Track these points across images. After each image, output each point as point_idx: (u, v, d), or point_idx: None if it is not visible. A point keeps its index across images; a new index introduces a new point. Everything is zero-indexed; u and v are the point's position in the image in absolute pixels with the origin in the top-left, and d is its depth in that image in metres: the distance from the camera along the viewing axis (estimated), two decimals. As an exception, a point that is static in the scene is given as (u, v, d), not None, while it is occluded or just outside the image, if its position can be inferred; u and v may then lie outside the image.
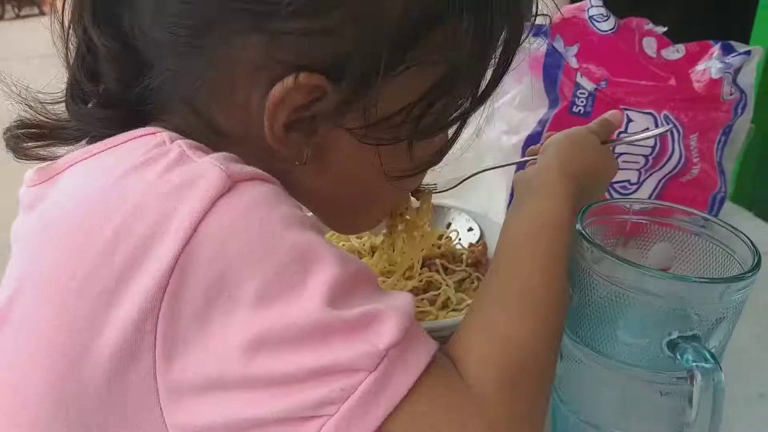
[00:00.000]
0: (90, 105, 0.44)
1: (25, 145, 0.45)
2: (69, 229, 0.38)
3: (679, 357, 0.42)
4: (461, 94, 0.45)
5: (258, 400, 0.35)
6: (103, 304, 0.35)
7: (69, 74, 0.44)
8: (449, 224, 0.75)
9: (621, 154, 0.78)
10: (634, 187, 0.82)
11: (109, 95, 0.43)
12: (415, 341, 0.37)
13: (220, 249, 0.35)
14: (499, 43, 0.44)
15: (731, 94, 0.76)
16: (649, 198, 0.82)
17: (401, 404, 0.36)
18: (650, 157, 0.78)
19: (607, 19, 0.75)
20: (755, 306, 0.48)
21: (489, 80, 0.46)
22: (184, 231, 0.34)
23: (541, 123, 0.77)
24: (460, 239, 0.72)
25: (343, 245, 0.68)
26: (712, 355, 0.41)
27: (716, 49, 0.77)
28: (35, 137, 0.45)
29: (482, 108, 0.50)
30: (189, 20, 0.40)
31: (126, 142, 0.41)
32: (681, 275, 0.42)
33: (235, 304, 0.35)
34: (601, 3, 0.76)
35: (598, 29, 0.75)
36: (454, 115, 0.46)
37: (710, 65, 0.75)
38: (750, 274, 0.43)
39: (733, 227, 0.48)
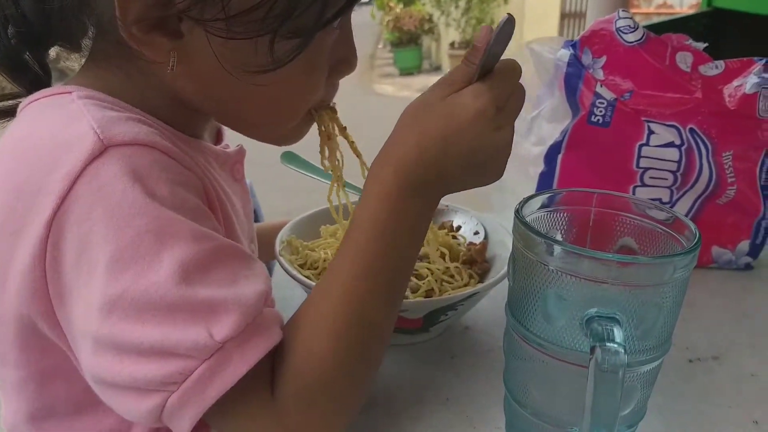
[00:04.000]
0: (10, 33, 0.48)
1: None
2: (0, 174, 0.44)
3: (588, 334, 0.41)
4: None
5: (111, 363, 0.39)
6: (11, 244, 0.41)
7: None
8: (459, 227, 0.76)
9: (647, 169, 0.76)
10: (667, 206, 0.78)
11: (27, 23, 0.47)
12: (255, 337, 0.41)
13: (89, 210, 0.39)
14: None
15: (771, 112, 0.71)
16: (684, 219, 0.78)
17: (224, 396, 0.40)
18: (678, 174, 0.74)
19: (634, 31, 0.74)
20: None
21: None
22: (60, 191, 0.39)
23: (563, 133, 0.77)
24: (464, 238, 0.73)
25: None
26: (622, 337, 0.39)
27: (759, 65, 0.73)
28: None
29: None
30: None
31: (46, 97, 0.46)
32: (599, 253, 0.41)
33: (94, 264, 0.39)
34: (629, 15, 0.75)
35: (625, 40, 0.74)
36: (320, 17, 0.44)
37: (746, 80, 0.71)
38: (671, 257, 0.41)
39: (686, 219, 0.47)
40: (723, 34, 1.63)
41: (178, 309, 0.39)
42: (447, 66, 8.27)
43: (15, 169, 0.43)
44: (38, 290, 0.41)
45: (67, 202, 0.39)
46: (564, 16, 9.25)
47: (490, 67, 0.48)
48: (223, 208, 0.52)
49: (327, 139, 0.59)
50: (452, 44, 8.11)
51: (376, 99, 6.88)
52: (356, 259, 0.45)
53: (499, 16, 8.53)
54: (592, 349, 0.39)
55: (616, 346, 0.39)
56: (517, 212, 0.47)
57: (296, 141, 0.57)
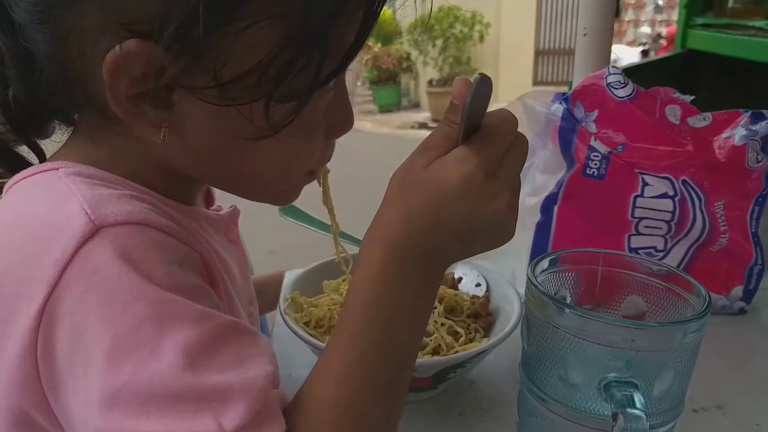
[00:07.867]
0: None
1: None
2: None
3: (608, 399, 0.41)
4: (310, 54, 0.40)
5: None
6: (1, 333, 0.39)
7: None
8: (460, 278, 0.76)
9: (641, 219, 0.77)
10: (661, 254, 0.80)
11: (16, 102, 0.45)
12: (264, 425, 0.37)
13: (82, 297, 0.37)
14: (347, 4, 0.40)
15: (759, 162, 0.74)
16: (679, 266, 0.80)
17: None
18: (672, 223, 0.76)
19: (624, 86, 0.77)
20: None
21: (350, 45, 0.42)
22: (50, 278, 0.37)
23: (558, 184, 0.79)
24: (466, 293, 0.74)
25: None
26: (642, 402, 0.40)
27: (745, 117, 0.76)
28: None
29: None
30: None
31: (32, 175, 0.44)
32: (612, 318, 0.42)
33: (90, 354, 0.36)
34: (619, 71, 0.77)
35: (616, 96, 0.77)
36: (316, 79, 0.41)
37: (735, 132, 0.74)
38: (682, 323, 0.42)
39: (693, 279, 0.48)
40: (698, 74, 1.70)
41: (184, 399, 0.36)
42: (425, 103, 8.41)
43: (2, 250, 0.40)
44: (30, 382, 0.38)
45: (58, 289, 0.37)
46: (538, 53, 9.53)
47: (476, 124, 0.42)
48: (221, 277, 0.50)
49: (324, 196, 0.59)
50: (430, 82, 8.25)
51: (356, 135, 6.87)
52: (348, 348, 0.42)
53: (475, 54, 8.60)
54: (615, 416, 0.40)
55: (637, 411, 0.39)
56: (530, 275, 0.48)
57: (293, 201, 0.55)
